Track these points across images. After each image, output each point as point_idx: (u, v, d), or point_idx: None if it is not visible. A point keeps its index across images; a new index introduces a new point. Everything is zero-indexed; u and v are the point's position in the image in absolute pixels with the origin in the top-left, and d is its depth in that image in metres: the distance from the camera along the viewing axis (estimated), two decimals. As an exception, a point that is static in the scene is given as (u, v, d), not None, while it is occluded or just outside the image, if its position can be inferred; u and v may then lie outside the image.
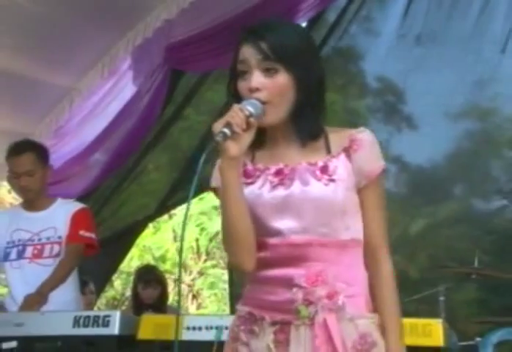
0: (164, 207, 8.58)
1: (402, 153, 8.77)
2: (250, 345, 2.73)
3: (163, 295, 7.37)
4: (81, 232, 5.61)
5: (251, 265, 2.69)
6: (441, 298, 6.26)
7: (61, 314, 4.89)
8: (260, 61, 2.68)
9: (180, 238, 2.52)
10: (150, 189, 8.45)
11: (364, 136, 2.79)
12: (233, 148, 2.58)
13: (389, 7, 8.40)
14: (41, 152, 5.73)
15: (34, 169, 5.58)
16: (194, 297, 15.61)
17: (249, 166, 2.80)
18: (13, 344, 4.64)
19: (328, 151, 2.77)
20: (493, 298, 7.40)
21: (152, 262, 12.49)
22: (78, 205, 5.82)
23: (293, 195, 2.68)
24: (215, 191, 2.83)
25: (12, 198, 10.72)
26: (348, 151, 2.75)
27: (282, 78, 2.69)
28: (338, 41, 8.63)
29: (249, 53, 2.70)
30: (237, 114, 2.58)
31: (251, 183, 2.75)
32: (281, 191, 2.70)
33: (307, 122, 2.76)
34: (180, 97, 7.94)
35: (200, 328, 4.34)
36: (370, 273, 2.78)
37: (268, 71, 2.68)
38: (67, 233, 5.60)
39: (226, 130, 2.55)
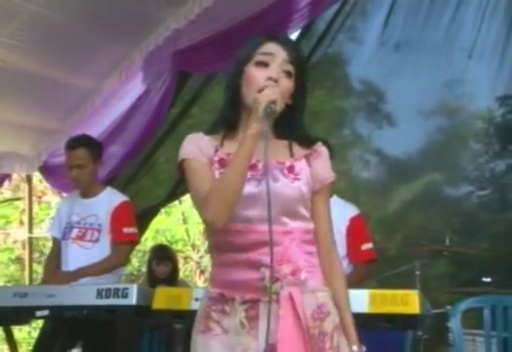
0: (174, 194, 8.57)
1: (382, 146, 8.83)
2: (222, 323, 2.71)
3: (175, 270, 7.37)
4: (125, 230, 5.54)
5: (225, 222, 2.62)
6: (417, 272, 6.27)
7: (86, 287, 4.90)
8: (284, 61, 2.71)
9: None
10: (162, 179, 8.45)
11: (322, 149, 2.84)
12: (266, 123, 2.59)
13: (371, 18, 8.38)
14: (94, 148, 5.64)
15: (84, 163, 5.50)
16: (202, 272, 15.57)
17: (222, 155, 2.76)
18: (45, 312, 4.67)
19: (291, 154, 2.78)
20: (461, 271, 7.42)
21: (165, 243, 12.45)
22: (121, 198, 5.68)
23: (261, 189, 2.65)
24: (184, 162, 2.78)
25: (44, 187, 10.70)
26: (308, 158, 2.79)
27: (291, 83, 2.73)
28: (327, 48, 8.60)
29: (276, 49, 2.73)
30: (277, 94, 2.60)
31: (217, 170, 2.74)
32: (253, 185, 2.69)
33: (289, 123, 2.80)
34: (186, 97, 7.94)
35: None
36: (324, 269, 2.79)
37: (285, 72, 2.71)
38: (112, 229, 5.52)
39: (273, 107, 2.56)
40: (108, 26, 6.60)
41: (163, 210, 13.69)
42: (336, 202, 4.96)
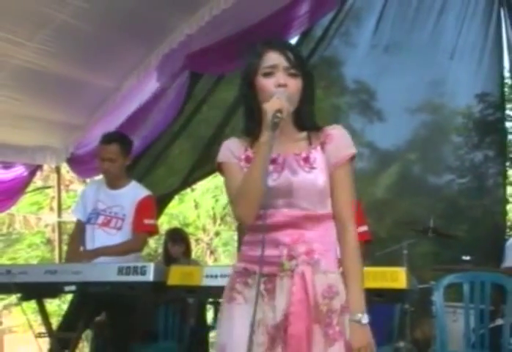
0: (186, 182, 8.58)
1: (373, 139, 8.81)
2: (244, 293, 2.77)
3: (187, 251, 7.37)
4: (146, 221, 5.53)
5: (253, 219, 2.72)
6: (405, 252, 6.27)
7: (108, 265, 4.91)
8: (287, 67, 2.76)
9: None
10: (176, 169, 8.44)
11: (334, 131, 2.86)
12: (276, 129, 2.65)
13: (363, 24, 8.39)
14: (125, 145, 5.63)
15: (116, 158, 5.49)
16: (211, 253, 15.61)
17: (249, 153, 2.83)
18: (72, 287, 4.68)
19: (310, 143, 2.83)
20: (444, 251, 7.42)
21: (178, 226, 12.46)
22: (145, 192, 5.66)
23: (284, 180, 2.74)
24: (220, 165, 2.87)
25: (70, 176, 10.71)
26: (322, 144, 2.82)
27: (299, 82, 2.78)
28: (323, 52, 8.62)
29: (277, 59, 2.77)
30: (283, 103, 2.66)
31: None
32: (275, 177, 2.75)
33: (304, 117, 2.84)
34: (199, 96, 7.93)
35: (216, 276, 4.35)
36: (339, 239, 2.81)
37: (291, 75, 2.76)
38: (134, 220, 5.51)
39: (280, 115, 2.62)
40: (128, 33, 6.61)
41: (176, 197, 13.71)
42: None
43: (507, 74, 8.52)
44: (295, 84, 2.76)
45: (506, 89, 8.61)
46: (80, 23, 6.13)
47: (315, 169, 2.78)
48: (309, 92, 2.84)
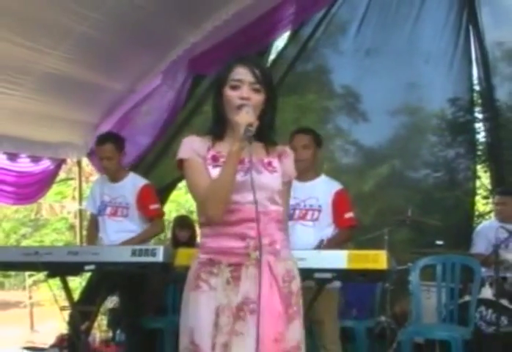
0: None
1: (358, 138, 8.84)
2: (209, 281, 2.76)
3: (193, 235, 7.35)
4: (151, 206, 5.62)
5: (220, 218, 2.74)
6: (386, 237, 6.26)
7: (123, 247, 4.94)
8: (252, 83, 2.78)
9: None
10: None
11: (290, 151, 3.00)
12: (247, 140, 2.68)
13: (347, 31, 8.41)
14: (118, 142, 5.69)
15: (112, 156, 5.57)
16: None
17: (214, 152, 2.84)
18: (92, 267, 4.70)
19: (267, 152, 2.89)
20: (420, 237, 7.43)
21: (185, 214, 12.43)
22: (143, 181, 5.73)
23: (248, 179, 2.72)
24: (183, 161, 2.86)
25: (90, 169, 10.70)
26: (280, 157, 2.91)
27: (262, 96, 2.80)
28: (315, 60, 8.65)
29: (244, 74, 2.79)
30: (252, 118, 2.70)
31: (219, 166, 2.78)
32: (241, 175, 2.76)
33: (266, 129, 2.86)
34: (200, 95, 7.92)
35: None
36: None
37: (255, 90, 2.78)
38: (141, 207, 5.60)
39: (252, 129, 2.67)
40: (139, 42, 6.60)
41: (183, 188, 13.71)
42: (324, 179, 4.96)
43: (475, 81, 8.51)
44: (257, 98, 2.78)
45: (475, 95, 8.59)
46: (98, 34, 6.13)
47: (276, 172, 2.86)
48: (270, 107, 2.85)
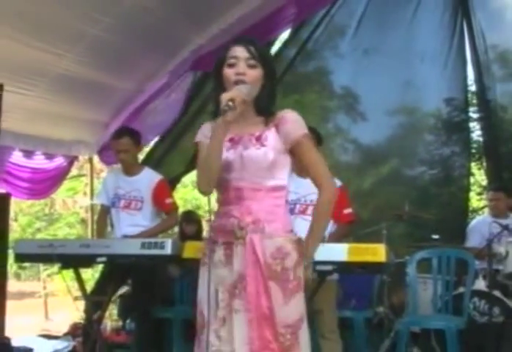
0: (192, 164, 8.48)
1: (357, 137, 8.85)
2: (211, 257, 2.79)
3: (199, 230, 7.36)
4: (166, 200, 5.58)
5: (210, 190, 2.75)
6: (384, 232, 6.26)
7: (133, 240, 4.94)
8: (248, 58, 2.77)
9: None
10: (186, 156, 8.37)
11: (287, 114, 2.85)
12: (230, 116, 2.65)
13: (345, 33, 8.42)
14: (135, 137, 5.63)
15: (128, 149, 5.51)
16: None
17: None
18: (103, 259, 4.71)
19: (266, 125, 2.83)
20: (416, 231, 7.43)
21: (191, 209, 12.44)
22: (158, 177, 5.68)
23: (237, 156, 2.77)
24: (197, 144, 2.91)
25: (101, 166, 10.73)
26: (277, 126, 2.81)
27: (258, 71, 2.79)
28: (316, 63, 8.66)
29: (240, 51, 2.79)
30: (238, 93, 2.66)
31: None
32: (231, 153, 2.78)
33: (264, 103, 2.84)
34: (204, 96, 7.92)
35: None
36: (315, 206, 2.91)
37: (250, 66, 2.77)
38: (157, 202, 5.55)
39: (230, 104, 2.62)
40: (149, 45, 6.61)
41: (190, 184, 13.73)
42: None
43: (470, 82, 8.53)
44: (253, 74, 2.78)
45: (469, 95, 8.60)
46: (109, 37, 6.14)
47: (265, 146, 2.78)
48: (268, 81, 2.83)
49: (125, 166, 5.65)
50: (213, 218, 2.89)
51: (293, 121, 2.82)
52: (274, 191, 2.80)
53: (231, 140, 2.81)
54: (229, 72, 2.78)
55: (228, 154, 2.78)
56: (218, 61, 2.85)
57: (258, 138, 2.79)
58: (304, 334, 2.76)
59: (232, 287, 2.72)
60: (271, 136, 2.79)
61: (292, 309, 2.72)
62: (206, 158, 2.73)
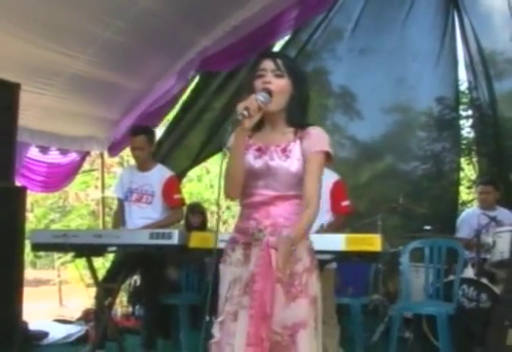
0: (197, 159, 8.49)
1: (354, 134, 8.87)
2: (231, 256, 2.82)
3: (204, 221, 7.35)
4: (175, 196, 5.59)
5: (236, 195, 2.81)
6: (379, 223, 6.28)
7: (142, 230, 4.95)
8: (274, 69, 2.78)
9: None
10: (191, 151, 8.37)
11: (313, 130, 2.82)
12: (247, 123, 2.65)
13: (343, 35, 8.42)
14: (150, 135, 5.67)
15: (143, 146, 5.53)
16: (223, 223, 15.59)
17: (249, 142, 2.85)
18: (114, 248, 4.72)
19: (295, 137, 2.81)
20: (410, 222, 7.42)
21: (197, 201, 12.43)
22: (169, 173, 5.70)
23: (263, 165, 2.78)
24: (228, 149, 2.83)
25: (111, 161, 10.78)
26: (301, 139, 2.80)
27: (285, 81, 2.78)
28: (315, 64, 8.65)
29: (268, 64, 2.79)
30: (252, 102, 2.64)
31: (245, 154, 2.80)
32: (258, 162, 2.79)
33: (294, 114, 2.83)
34: (209, 94, 7.92)
35: (227, 241, 4.37)
36: (303, 212, 2.79)
37: (277, 76, 2.77)
38: (166, 197, 5.55)
39: (245, 113, 2.61)
40: (158, 47, 6.63)
41: (195, 178, 13.73)
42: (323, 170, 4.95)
43: (460, 82, 8.53)
44: (279, 83, 2.77)
45: (460, 94, 8.61)
46: (120, 39, 6.15)
47: (290, 158, 2.77)
48: (297, 92, 2.82)
49: (139, 163, 5.68)
50: (237, 220, 2.91)
51: (315, 137, 2.80)
52: (294, 199, 2.80)
53: (259, 149, 2.82)
54: (257, 83, 2.78)
55: (255, 162, 2.80)
56: (250, 75, 2.87)
57: (284, 150, 2.79)
58: (305, 338, 2.73)
59: (245, 285, 2.72)
60: (296, 148, 2.79)
61: (292, 312, 2.71)
62: (227, 165, 2.76)
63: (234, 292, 2.74)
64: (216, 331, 2.74)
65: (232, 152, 2.73)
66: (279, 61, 2.79)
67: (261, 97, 2.68)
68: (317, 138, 2.81)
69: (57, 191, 9.47)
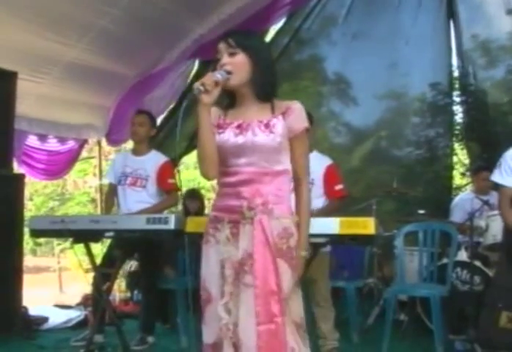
0: (191, 146, 8.47)
1: (349, 120, 8.90)
2: (215, 236, 2.79)
3: (202, 206, 7.33)
4: (169, 180, 5.54)
5: (214, 175, 2.78)
6: (374, 207, 6.29)
7: (139, 216, 4.92)
8: (227, 48, 2.76)
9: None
10: (184, 139, 8.34)
11: (294, 106, 2.81)
12: (205, 99, 2.65)
13: (337, 21, 8.42)
14: (151, 118, 5.71)
15: (144, 123, 5.54)
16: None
17: (221, 120, 2.84)
18: (111, 234, 4.70)
19: (273, 112, 2.80)
20: (404, 206, 7.42)
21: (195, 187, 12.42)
22: (164, 158, 5.66)
23: (247, 142, 2.74)
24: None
25: (109, 148, 10.77)
26: (284, 115, 2.78)
27: (240, 57, 2.76)
28: (310, 50, 8.65)
29: (221, 46, 2.78)
30: (208, 77, 2.66)
31: (222, 133, 2.79)
32: (240, 138, 2.76)
33: (260, 86, 2.80)
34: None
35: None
36: (295, 192, 2.85)
37: (231, 54, 2.76)
38: (160, 181, 5.54)
39: (201, 88, 2.62)
40: (153, 34, 6.61)
41: (192, 165, 13.73)
42: (316, 155, 4.90)
43: (453, 68, 8.54)
44: (233, 61, 2.75)
45: (453, 80, 8.62)
46: (115, 28, 6.14)
47: (273, 133, 2.74)
48: (257, 64, 2.79)
49: (136, 141, 5.67)
50: (214, 198, 2.88)
51: (298, 114, 2.80)
52: (281, 175, 2.79)
53: (239, 126, 2.79)
54: (218, 67, 2.77)
55: (237, 139, 2.76)
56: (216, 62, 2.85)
57: (267, 126, 2.76)
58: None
59: (239, 264, 2.70)
60: (279, 123, 2.76)
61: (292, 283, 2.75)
62: (198, 145, 2.72)
63: (226, 272, 2.73)
64: (222, 313, 2.72)
65: (200, 130, 2.69)
66: (230, 40, 2.77)
67: (218, 74, 2.69)
68: (300, 114, 2.81)
69: (59, 178, 9.50)
